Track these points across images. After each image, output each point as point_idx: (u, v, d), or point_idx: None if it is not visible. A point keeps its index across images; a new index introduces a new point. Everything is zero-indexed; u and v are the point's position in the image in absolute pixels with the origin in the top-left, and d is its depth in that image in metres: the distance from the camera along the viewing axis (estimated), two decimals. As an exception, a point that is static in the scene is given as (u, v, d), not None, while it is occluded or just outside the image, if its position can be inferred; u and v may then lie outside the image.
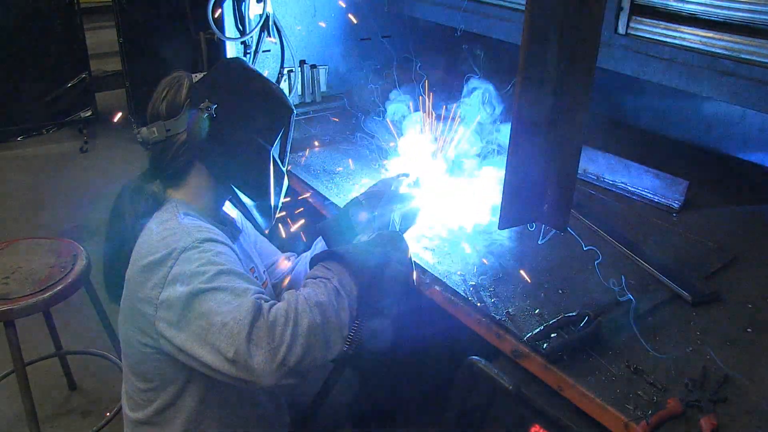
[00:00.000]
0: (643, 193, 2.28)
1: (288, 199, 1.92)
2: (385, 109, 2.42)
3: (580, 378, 1.46)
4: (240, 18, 2.64)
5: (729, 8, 1.68)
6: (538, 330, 1.57)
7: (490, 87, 2.22)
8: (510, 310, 1.68)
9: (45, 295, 2.39)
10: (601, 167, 2.37)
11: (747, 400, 1.41)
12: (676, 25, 1.82)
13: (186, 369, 1.48)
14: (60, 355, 3.07)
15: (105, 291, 1.69)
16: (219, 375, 1.34)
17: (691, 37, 1.79)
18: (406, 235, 1.84)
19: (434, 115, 2.31)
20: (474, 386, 1.66)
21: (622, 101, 2.81)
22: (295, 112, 1.74)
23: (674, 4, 1.81)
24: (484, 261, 1.91)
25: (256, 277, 1.79)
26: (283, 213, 1.91)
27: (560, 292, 1.77)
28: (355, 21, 2.97)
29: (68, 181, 5.25)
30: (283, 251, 2.10)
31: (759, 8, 1.63)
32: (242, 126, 1.60)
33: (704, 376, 1.46)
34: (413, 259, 1.86)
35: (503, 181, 1.60)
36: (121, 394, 1.71)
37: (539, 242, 1.87)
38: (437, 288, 1.82)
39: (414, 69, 2.40)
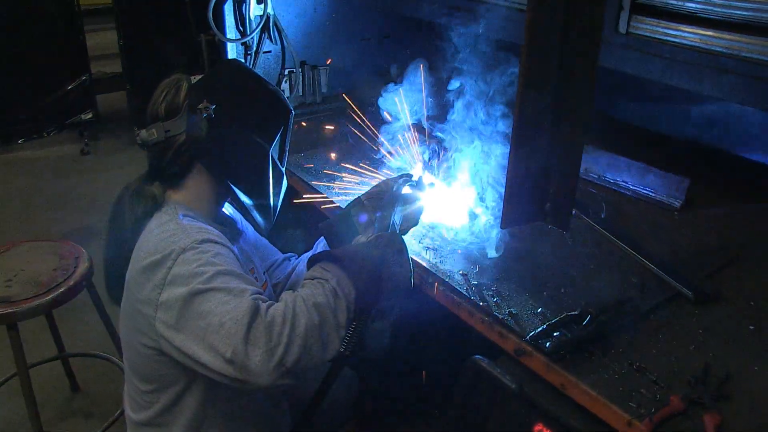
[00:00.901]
0: (645, 191, 2.28)
1: (288, 200, 1.93)
2: (383, 110, 2.41)
3: (583, 376, 1.46)
4: (240, 19, 2.64)
5: (729, 7, 1.68)
6: (540, 329, 1.57)
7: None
8: (512, 309, 1.68)
9: (47, 298, 2.39)
10: (602, 166, 2.37)
11: (750, 397, 1.41)
12: (677, 24, 1.81)
13: (187, 370, 1.48)
14: (62, 357, 3.07)
15: (106, 293, 1.70)
16: (216, 375, 1.34)
17: (691, 35, 1.79)
18: (408, 236, 1.84)
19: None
20: (477, 385, 1.65)
21: (622, 100, 2.81)
22: (293, 112, 1.74)
23: (675, 3, 1.81)
24: (486, 260, 1.91)
25: (255, 278, 1.80)
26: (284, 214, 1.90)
27: (562, 290, 1.77)
28: (353, 21, 2.99)
29: (69, 183, 5.26)
30: (283, 252, 2.10)
31: (759, 6, 1.63)
32: (241, 126, 1.61)
33: (706, 373, 1.45)
34: (413, 260, 1.86)
35: (505, 180, 1.60)
36: (123, 396, 1.72)
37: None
38: (439, 287, 1.82)
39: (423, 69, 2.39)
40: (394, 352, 1.92)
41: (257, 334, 1.30)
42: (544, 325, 1.58)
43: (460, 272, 1.86)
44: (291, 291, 1.45)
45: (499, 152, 2.01)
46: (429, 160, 2.24)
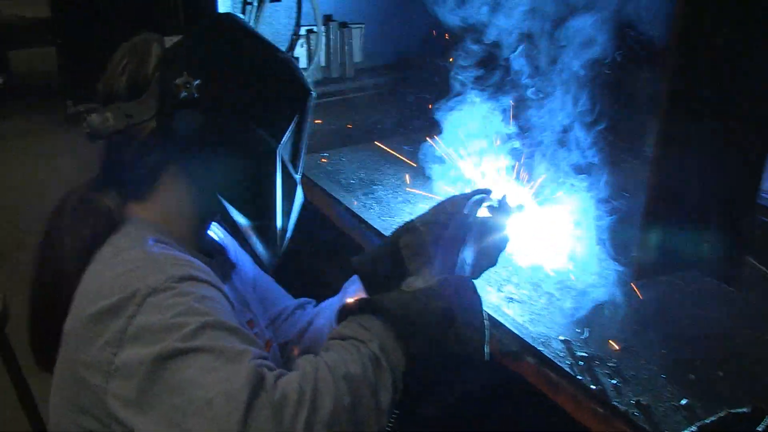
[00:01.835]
0: None
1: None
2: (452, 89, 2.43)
3: None
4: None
5: None
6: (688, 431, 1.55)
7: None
8: (641, 399, 1.66)
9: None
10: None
11: None
12: None
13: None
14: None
15: (29, 353, 1.72)
16: None
17: None
18: (481, 279, 1.84)
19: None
20: None
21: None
22: (314, 94, 1.75)
23: None
24: (601, 320, 1.90)
25: (255, 333, 1.79)
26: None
27: (720, 374, 1.75)
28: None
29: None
30: (295, 297, 2.11)
31: None
32: (236, 112, 1.61)
33: None
34: (489, 316, 1.85)
35: (643, 211, 1.59)
36: None
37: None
38: (529, 360, 1.81)
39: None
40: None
41: (261, 419, 1.27)
42: (694, 427, 1.56)
43: (561, 338, 1.85)
44: (311, 355, 1.42)
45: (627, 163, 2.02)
46: (516, 170, 2.25)
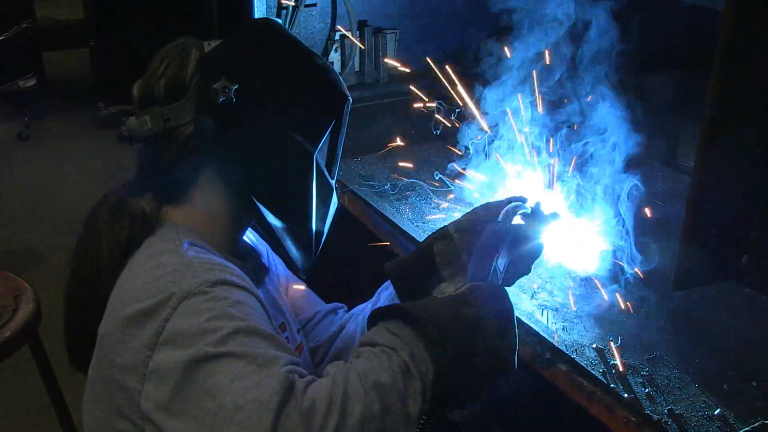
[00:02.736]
0: None
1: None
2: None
3: None
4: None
5: None
6: (722, 442, 1.54)
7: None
8: (674, 407, 1.65)
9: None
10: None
11: None
12: None
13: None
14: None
15: (63, 352, 1.72)
16: None
17: None
18: (514, 287, 1.83)
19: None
20: None
21: None
22: (350, 99, 1.75)
23: None
24: (635, 329, 1.89)
25: (286, 337, 1.80)
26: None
27: (754, 384, 1.74)
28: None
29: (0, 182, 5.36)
30: (328, 301, 2.11)
31: None
32: (273, 117, 1.61)
33: None
34: (523, 324, 1.84)
35: (683, 220, 1.58)
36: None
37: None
38: (562, 367, 1.80)
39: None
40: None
41: (290, 425, 1.27)
42: (727, 437, 1.54)
43: (594, 346, 1.84)
44: (341, 362, 1.42)
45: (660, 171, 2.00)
46: (551, 177, 2.24)
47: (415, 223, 2.32)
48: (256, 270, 1.76)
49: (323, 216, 1.75)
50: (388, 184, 2.51)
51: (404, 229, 2.30)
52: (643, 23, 2.47)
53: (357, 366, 1.39)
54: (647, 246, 2.05)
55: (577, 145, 2.21)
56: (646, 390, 1.71)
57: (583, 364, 1.79)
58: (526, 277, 1.82)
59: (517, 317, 1.56)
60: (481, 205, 1.79)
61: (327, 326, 2.05)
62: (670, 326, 1.92)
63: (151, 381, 1.38)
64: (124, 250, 1.57)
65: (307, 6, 2.80)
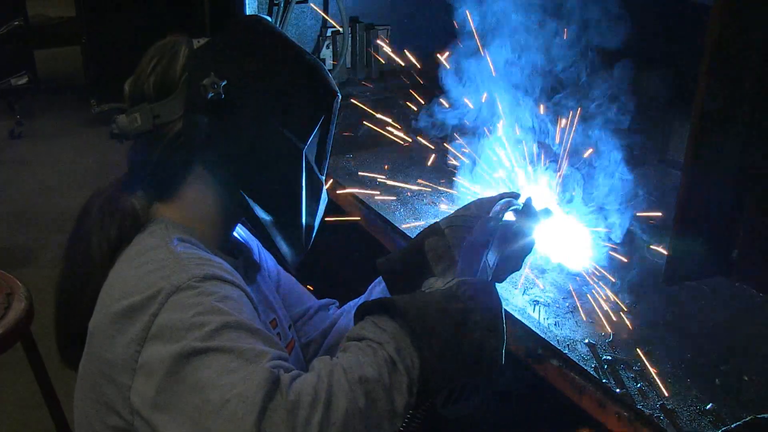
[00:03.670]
0: None
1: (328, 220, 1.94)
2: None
3: None
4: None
5: None
6: (713, 437, 1.54)
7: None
8: (666, 402, 1.65)
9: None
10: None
11: None
12: None
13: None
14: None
15: (55, 350, 1.72)
16: None
17: None
18: (505, 284, 1.82)
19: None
20: None
21: None
22: (340, 95, 1.75)
23: None
24: (626, 325, 1.89)
25: (278, 334, 1.80)
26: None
27: (746, 378, 1.74)
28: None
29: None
30: (319, 298, 2.11)
31: None
32: (263, 113, 1.61)
33: None
34: (513, 319, 1.83)
35: (674, 216, 1.58)
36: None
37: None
38: (553, 362, 1.80)
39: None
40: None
41: (275, 420, 1.27)
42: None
43: (586, 341, 1.84)
44: (326, 357, 1.42)
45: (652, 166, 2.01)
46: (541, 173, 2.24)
47: (407, 219, 2.31)
48: (247, 266, 1.76)
49: (313, 211, 1.75)
50: (380, 180, 2.50)
51: (396, 225, 2.29)
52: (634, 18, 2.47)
53: (342, 360, 1.39)
54: (641, 241, 2.06)
55: (567, 138, 2.20)
56: (638, 385, 1.71)
57: (574, 359, 1.79)
58: (517, 272, 1.81)
59: (508, 313, 1.56)
60: (473, 201, 1.79)
61: (319, 322, 2.05)
62: (661, 321, 1.93)
63: (140, 375, 1.39)
64: (115, 247, 1.57)
65: (299, 3, 2.79)
